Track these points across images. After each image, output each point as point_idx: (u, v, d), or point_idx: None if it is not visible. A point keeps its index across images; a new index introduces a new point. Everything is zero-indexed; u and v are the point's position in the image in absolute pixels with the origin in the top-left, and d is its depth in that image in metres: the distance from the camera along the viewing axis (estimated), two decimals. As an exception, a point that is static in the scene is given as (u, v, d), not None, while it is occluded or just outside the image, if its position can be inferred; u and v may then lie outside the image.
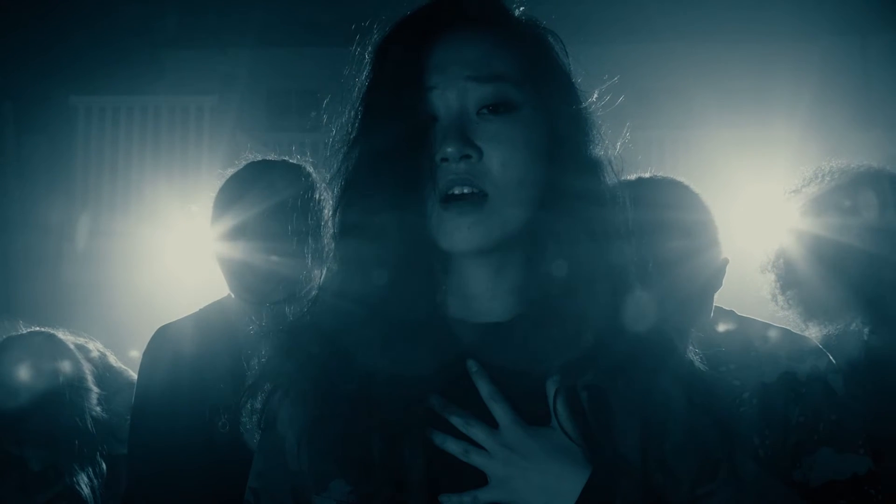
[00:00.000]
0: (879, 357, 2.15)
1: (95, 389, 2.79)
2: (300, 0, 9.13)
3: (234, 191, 2.41)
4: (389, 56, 1.25)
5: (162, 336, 2.45)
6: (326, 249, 1.31)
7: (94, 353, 2.93)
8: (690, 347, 1.32)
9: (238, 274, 2.37)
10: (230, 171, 2.47)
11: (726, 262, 1.98)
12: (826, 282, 2.20)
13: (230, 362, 2.28)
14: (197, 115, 9.10)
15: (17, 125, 9.31)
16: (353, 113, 1.29)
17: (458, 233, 1.18)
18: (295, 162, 2.46)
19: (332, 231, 1.29)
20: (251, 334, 2.19)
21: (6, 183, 8.95)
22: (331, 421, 1.22)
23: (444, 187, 1.19)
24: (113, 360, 2.97)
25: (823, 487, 1.72)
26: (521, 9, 1.33)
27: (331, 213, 1.30)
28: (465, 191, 1.18)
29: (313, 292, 1.30)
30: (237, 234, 2.37)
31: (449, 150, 1.17)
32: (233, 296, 2.44)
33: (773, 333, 1.90)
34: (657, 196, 1.97)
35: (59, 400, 2.73)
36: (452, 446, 1.22)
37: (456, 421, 1.22)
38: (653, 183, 2.01)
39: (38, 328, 2.92)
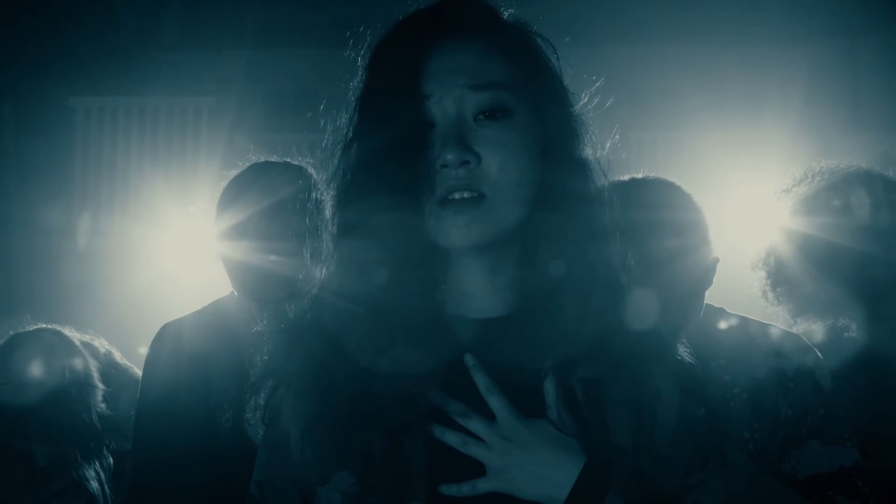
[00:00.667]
0: (869, 354, 2.16)
1: (101, 386, 2.81)
2: (297, 2, 9.13)
3: (234, 191, 2.42)
4: (385, 62, 1.27)
5: (165, 334, 2.45)
6: (326, 249, 1.32)
7: (101, 350, 2.96)
8: (682, 343, 1.34)
9: (238, 273, 2.38)
10: (233, 172, 2.48)
11: (717, 260, 2.00)
12: (815, 280, 2.21)
13: (232, 360, 2.29)
14: (195, 116, 9.11)
15: (17, 126, 9.30)
16: (348, 117, 1.30)
17: (456, 230, 1.20)
18: (296, 163, 2.46)
19: (330, 231, 1.31)
20: (251, 332, 2.21)
21: (6, 183, 8.94)
22: (333, 415, 1.25)
23: (443, 193, 1.21)
24: (118, 357, 2.99)
25: (811, 479, 1.74)
26: (511, 12, 1.34)
27: (329, 213, 1.32)
28: (465, 195, 1.20)
29: (314, 291, 1.32)
30: (236, 233, 2.37)
31: (449, 157, 1.18)
32: (235, 294, 2.44)
33: (761, 330, 1.93)
34: (649, 196, 1.98)
35: (66, 395, 2.75)
36: (451, 438, 1.24)
37: (455, 413, 1.25)
38: (645, 183, 2.02)
39: (45, 325, 2.93)
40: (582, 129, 1.31)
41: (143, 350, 2.64)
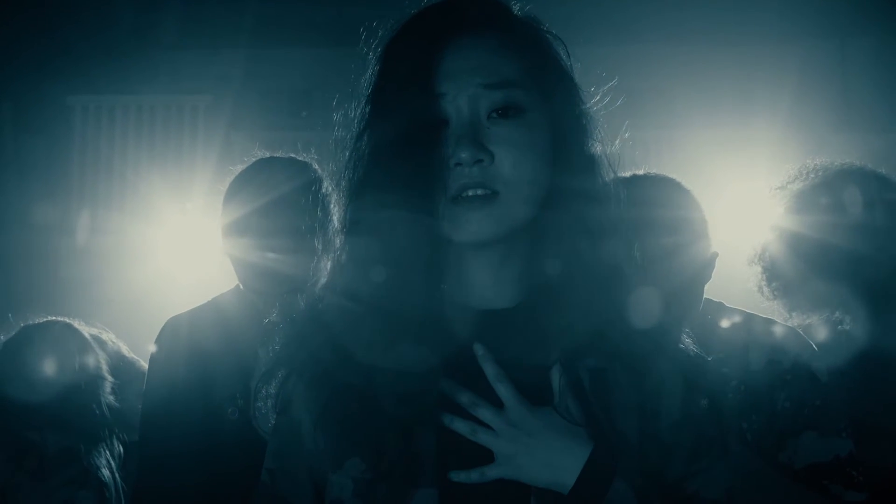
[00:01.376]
0: (862, 350, 2.17)
1: (110, 379, 2.84)
2: (293, 2, 9.12)
3: (235, 187, 2.42)
4: (398, 60, 1.27)
5: (171, 328, 2.46)
6: (332, 245, 1.33)
7: (109, 344, 2.98)
8: (686, 334, 1.35)
9: (240, 270, 2.38)
10: (238, 168, 2.48)
11: (716, 255, 2.02)
12: (807, 278, 2.21)
13: (234, 354, 2.29)
14: (192, 114, 9.11)
15: (15, 125, 9.30)
16: (359, 112, 1.30)
17: (469, 226, 1.21)
18: (301, 158, 2.45)
19: (338, 227, 1.31)
20: (252, 327, 2.21)
21: (4, 180, 8.94)
22: (345, 403, 1.26)
23: (457, 190, 1.21)
24: (126, 350, 3.01)
25: (807, 469, 1.77)
26: (522, 6, 1.34)
27: (337, 208, 1.32)
28: (479, 192, 1.20)
29: (319, 287, 1.33)
30: (236, 230, 2.37)
31: (463, 155, 1.18)
32: (239, 288, 2.45)
33: (758, 324, 1.96)
34: (649, 193, 1.99)
35: (76, 387, 2.79)
36: (460, 426, 1.25)
37: (463, 402, 1.25)
38: (646, 180, 2.04)
39: (55, 318, 2.94)
40: (592, 125, 1.32)
41: (141, 345, 2.65)
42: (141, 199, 8.43)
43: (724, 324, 1.95)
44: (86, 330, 2.92)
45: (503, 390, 1.26)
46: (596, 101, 1.36)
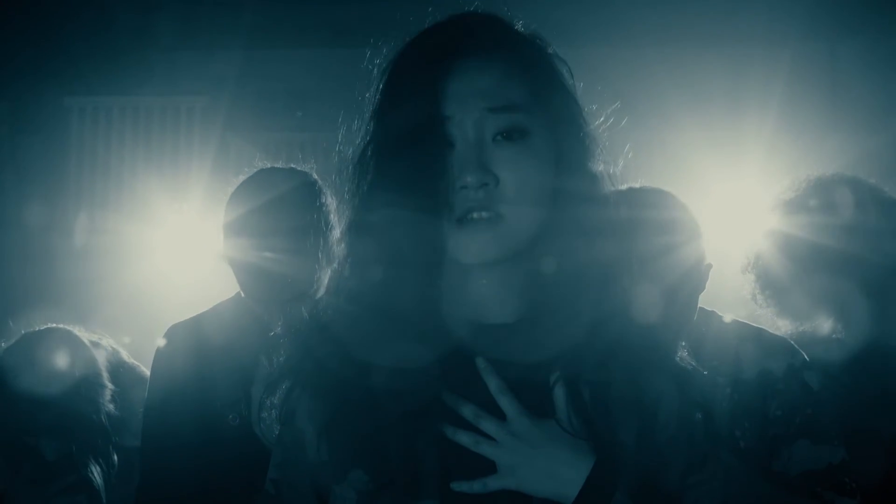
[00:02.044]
0: (855, 355, 2.18)
1: (110, 385, 2.87)
2: (288, 4, 9.11)
3: (235, 192, 2.42)
4: (405, 80, 1.28)
5: (173, 335, 2.48)
6: (335, 250, 1.35)
7: (108, 350, 3.00)
8: (683, 347, 1.37)
9: (238, 274, 2.39)
10: (240, 178, 2.49)
11: (710, 267, 2.05)
12: (801, 282, 2.22)
13: (235, 362, 2.30)
14: (188, 116, 9.09)
15: (13, 125, 9.28)
16: (364, 128, 1.31)
17: (474, 247, 1.24)
18: (300, 168, 2.47)
19: (343, 233, 1.33)
20: (252, 334, 2.22)
21: (2, 181, 8.92)
22: (348, 416, 1.28)
23: (462, 212, 1.23)
24: (125, 356, 3.04)
25: (801, 476, 1.80)
26: (524, 24, 1.34)
27: (341, 217, 1.34)
28: (484, 215, 1.23)
29: (322, 293, 1.36)
30: (232, 231, 2.37)
31: (469, 179, 1.21)
32: (240, 295, 2.45)
33: (751, 333, 2.00)
34: (644, 198, 2.02)
35: (76, 394, 2.80)
36: (463, 438, 1.27)
37: (467, 413, 1.27)
38: (642, 190, 2.06)
39: (54, 324, 2.95)
40: (594, 146, 1.33)
41: (139, 343, 2.66)
42: (138, 200, 8.41)
43: (717, 333, 1.96)
44: (86, 336, 2.93)
45: (506, 403, 1.28)
46: (599, 122, 1.37)
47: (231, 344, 2.33)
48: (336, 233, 1.34)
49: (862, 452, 1.91)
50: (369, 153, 1.27)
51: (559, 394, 1.27)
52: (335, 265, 1.33)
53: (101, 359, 2.87)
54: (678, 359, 1.36)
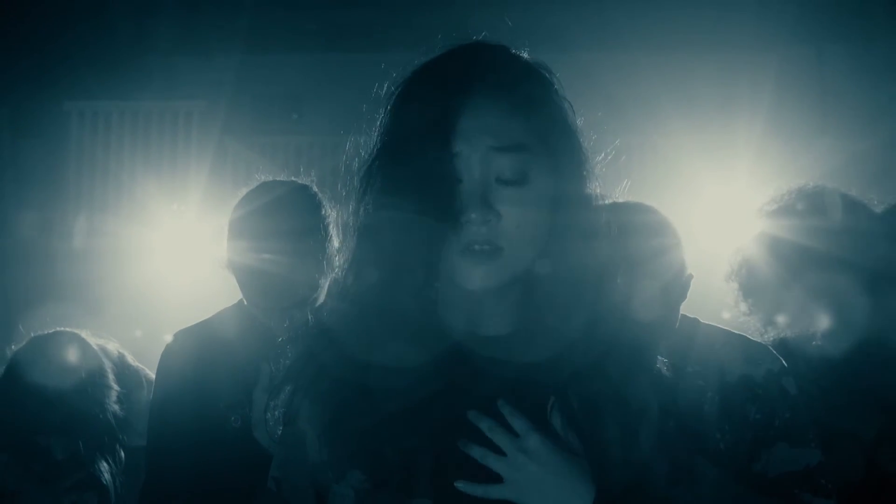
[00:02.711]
0: (833, 361, 2.21)
1: (116, 388, 2.93)
2: (285, 8, 9.13)
3: (238, 200, 2.45)
4: (415, 113, 1.29)
5: (178, 340, 2.52)
6: (335, 257, 1.38)
7: (114, 353, 3.05)
8: (660, 356, 1.38)
9: (239, 280, 2.41)
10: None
11: (691, 277, 2.08)
12: (792, 282, 2.23)
13: (241, 365, 2.33)
14: (186, 120, 9.11)
15: (14, 129, 9.30)
16: (372, 156, 1.33)
17: (475, 277, 1.26)
18: (301, 181, 2.49)
19: (344, 237, 1.36)
20: (253, 341, 2.24)
21: (3, 185, 8.93)
22: (347, 418, 1.31)
23: (465, 243, 1.26)
24: (130, 359, 3.12)
25: (780, 478, 1.83)
26: (529, 56, 1.37)
27: (343, 221, 1.37)
28: (486, 248, 1.25)
29: (322, 298, 1.39)
30: (230, 234, 2.39)
31: (473, 216, 1.24)
32: (243, 302, 2.47)
33: (732, 339, 2.01)
34: (629, 208, 2.05)
35: (83, 393, 2.84)
36: (474, 451, 1.28)
37: (483, 427, 1.29)
38: (626, 205, 2.08)
39: (62, 328, 3.01)
40: (594, 181, 1.36)
41: (139, 342, 2.68)
42: (136, 202, 8.43)
43: (701, 340, 2.00)
44: (93, 339, 2.99)
45: (518, 423, 1.29)
46: (600, 158, 1.39)
47: (234, 348, 2.36)
48: (336, 241, 1.37)
49: (841, 454, 1.94)
50: (376, 166, 1.30)
51: (556, 420, 1.29)
52: (336, 270, 1.36)
53: (108, 361, 2.92)
54: (658, 368, 1.37)
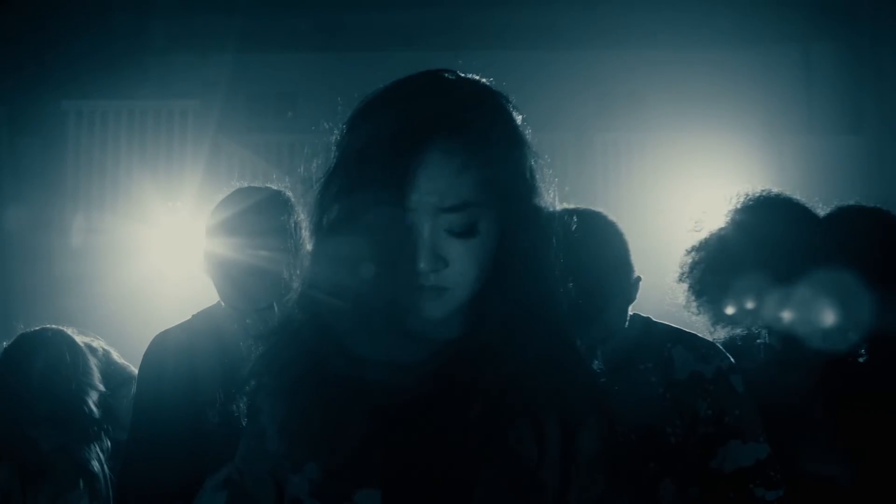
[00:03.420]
0: (776, 356, 2.26)
1: (100, 387, 2.96)
2: (278, 8, 9.14)
3: (215, 205, 2.47)
4: (372, 161, 1.31)
5: (160, 340, 2.55)
6: (310, 247, 1.41)
7: (100, 351, 3.07)
8: (595, 357, 1.43)
9: (216, 282, 2.43)
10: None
11: (639, 279, 2.13)
12: (729, 287, 2.29)
13: (219, 363, 2.36)
14: (181, 118, 9.12)
15: (11, 128, 9.31)
16: (329, 172, 1.36)
17: (424, 311, 1.32)
18: (275, 187, 2.51)
19: (317, 229, 1.38)
20: (236, 338, 2.26)
21: (1, 182, 8.93)
22: (303, 414, 1.35)
23: (416, 282, 1.31)
24: (116, 356, 3.14)
25: (734, 473, 1.95)
26: (493, 82, 1.39)
27: (315, 214, 1.39)
28: (434, 288, 1.31)
29: (299, 292, 1.42)
30: (207, 234, 2.43)
31: (422, 266, 1.29)
32: (222, 304, 2.50)
33: (684, 337, 2.09)
34: (575, 220, 2.08)
35: (68, 390, 2.87)
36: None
37: None
38: (575, 213, 2.11)
39: (49, 326, 3.03)
40: (544, 219, 1.39)
41: (133, 337, 2.70)
42: (133, 200, 8.45)
43: (652, 338, 2.06)
44: (78, 338, 3.01)
45: None
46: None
47: (213, 349, 2.40)
48: (305, 245, 1.41)
49: (780, 442, 2.01)
50: (336, 198, 1.35)
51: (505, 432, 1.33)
52: (312, 260, 1.39)
53: (93, 358, 2.96)
54: (594, 368, 1.43)
